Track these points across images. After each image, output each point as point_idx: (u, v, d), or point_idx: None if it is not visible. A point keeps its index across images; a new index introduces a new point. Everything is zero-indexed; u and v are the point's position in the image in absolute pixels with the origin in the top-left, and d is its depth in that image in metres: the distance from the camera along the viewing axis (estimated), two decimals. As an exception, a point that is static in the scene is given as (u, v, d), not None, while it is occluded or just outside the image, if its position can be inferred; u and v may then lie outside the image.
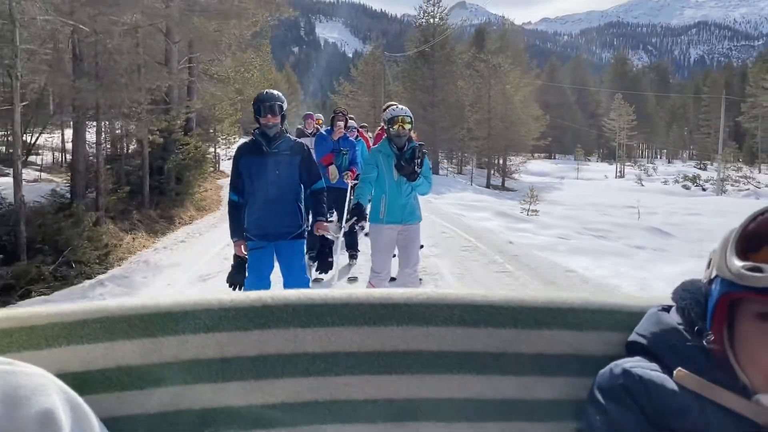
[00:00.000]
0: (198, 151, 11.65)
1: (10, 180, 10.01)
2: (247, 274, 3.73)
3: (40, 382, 0.60)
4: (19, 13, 6.07)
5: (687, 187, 35.47)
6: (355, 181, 5.72)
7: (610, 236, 13.58)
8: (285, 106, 3.72)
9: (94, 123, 8.89)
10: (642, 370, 0.82)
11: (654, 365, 0.83)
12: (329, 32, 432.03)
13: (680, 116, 76.56)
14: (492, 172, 34.02)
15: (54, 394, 0.60)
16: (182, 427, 0.83)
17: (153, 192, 10.67)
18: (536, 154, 65.75)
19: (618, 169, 50.85)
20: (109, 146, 10.11)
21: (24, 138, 17.15)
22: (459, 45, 32.94)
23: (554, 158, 68.76)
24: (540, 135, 38.91)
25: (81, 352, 0.80)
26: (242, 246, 3.75)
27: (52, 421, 0.57)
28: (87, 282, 6.02)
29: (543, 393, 0.91)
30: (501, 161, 34.50)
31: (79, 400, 0.64)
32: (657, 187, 35.81)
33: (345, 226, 5.27)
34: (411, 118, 4.35)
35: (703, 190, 34.72)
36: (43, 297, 5.43)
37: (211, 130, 14.25)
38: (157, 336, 0.82)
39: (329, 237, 4.03)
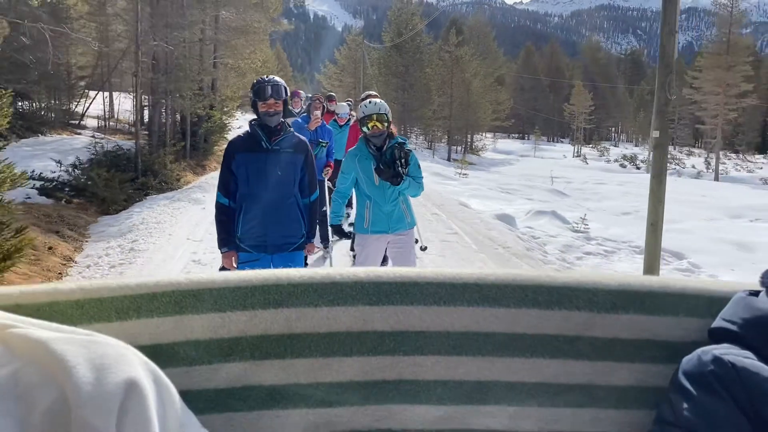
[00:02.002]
0: (220, 120, 16.77)
1: (84, 138, 15.06)
2: None
3: (122, 352, 0.61)
4: (141, 42, 11.13)
5: (623, 166, 41.06)
6: (330, 186, 5.47)
7: (515, 193, 18.78)
8: (288, 93, 3.42)
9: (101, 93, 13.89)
10: (734, 358, 0.78)
11: (747, 353, 0.79)
12: (319, 5, 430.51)
13: (649, 102, 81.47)
14: (460, 148, 39.33)
15: (137, 365, 0.61)
16: (250, 402, 0.84)
17: (190, 148, 15.77)
18: (512, 135, 71.17)
19: (576, 150, 56.27)
20: (178, 117, 15.15)
21: (74, 107, 22.06)
22: (429, 36, 37.88)
23: (527, 138, 73.61)
24: (505, 117, 44.28)
25: (151, 326, 0.80)
26: (233, 258, 3.41)
27: (137, 390, 0.58)
28: (178, 190, 11.19)
29: (618, 379, 0.90)
30: (467, 138, 39.78)
31: (160, 372, 0.64)
32: (599, 165, 41.10)
33: (331, 245, 5.19)
34: (387, 114, 3.90)
35: (637, 168, 40.25)
36: (162, 194, 10.58)
37: (225, 108, 19.32)
38: (226, 311, 0.82)
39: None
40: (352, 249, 5.71)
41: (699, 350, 0.82)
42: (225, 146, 3.47)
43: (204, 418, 0.73)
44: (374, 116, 3.83)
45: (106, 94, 23.75)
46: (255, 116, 3.39)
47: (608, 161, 44.37)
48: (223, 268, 3.37)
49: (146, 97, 14.01)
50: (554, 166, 39.51)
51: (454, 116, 34.48)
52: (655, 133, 6.53)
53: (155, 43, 11.48)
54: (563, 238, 9.81)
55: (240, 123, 26.09)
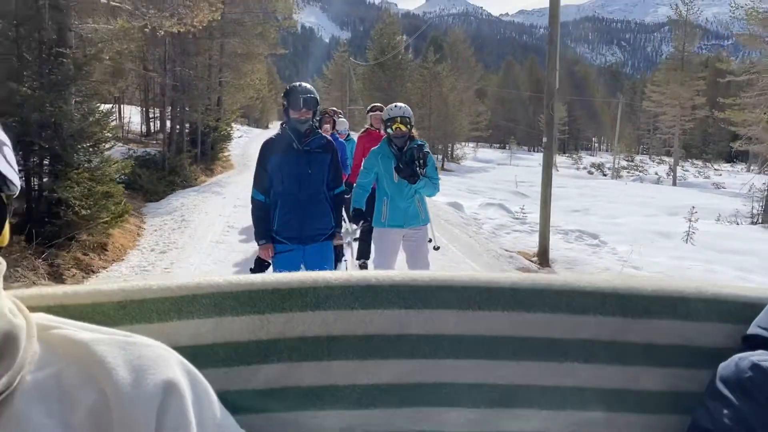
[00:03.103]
0: (225, 131, 19.63)
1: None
2: None
3: (160, 353, 0.62)
4: (169, 67, 13.97)
5: (591, 173, 44.31)
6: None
7: (480, 193, 21.56)
8: (319, 102, 3.67)
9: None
10: None
11: None
12: (306, 17, 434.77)
13: (626, 113, 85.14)
14: (442, 156, 42.44)
15: (175, 366, 0.62)
16: (288, 403, 0.85)
17: (201, 155, 18.58)
18: (493, 145, 74.52)
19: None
20: (188, 127, 18.01)
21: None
22: (411, 54, 41.01)
23: (508, 148, 76.75)
24: (484, 127, 47.51)
25: (191, 327, 0.82)
26: (269, 249, 3.69)
27: (176, 391, 0.59)
28: (197, 186, 13.97)
29: (652, 384, 0.91)
30: (448, 147, 42.91)
31: (197, 372, 0.65)
32: (569, 173, 44.26)
33: (357, 231, 5.28)
34: (409, 118, 4.28)
35: (604, 175, 43.46)
36: (186, 189, 13.34)
37: (227, 120, 22.21)
38: (265, 313, 0.84)
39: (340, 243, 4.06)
40: (358, 259, 6.19)
41: (736, 356, 0.82)
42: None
43: (243, 418, 0.76)
44: (398, 119, 4.27)
45: (114, 106, 26.61)
46: (286, 118, 3.70)
47: (578, 168, 47.60)
48: (258, 259, 3.77)
49: (157, 109, 16.84)
50: (527, 173, 42.50)
51: (433, 127, 37.52)
52: (545, 139, 9.46)
53: (179, 68, 14.31)
54: (500, 220, 12.68)
55: (240, 134, 28.99)
